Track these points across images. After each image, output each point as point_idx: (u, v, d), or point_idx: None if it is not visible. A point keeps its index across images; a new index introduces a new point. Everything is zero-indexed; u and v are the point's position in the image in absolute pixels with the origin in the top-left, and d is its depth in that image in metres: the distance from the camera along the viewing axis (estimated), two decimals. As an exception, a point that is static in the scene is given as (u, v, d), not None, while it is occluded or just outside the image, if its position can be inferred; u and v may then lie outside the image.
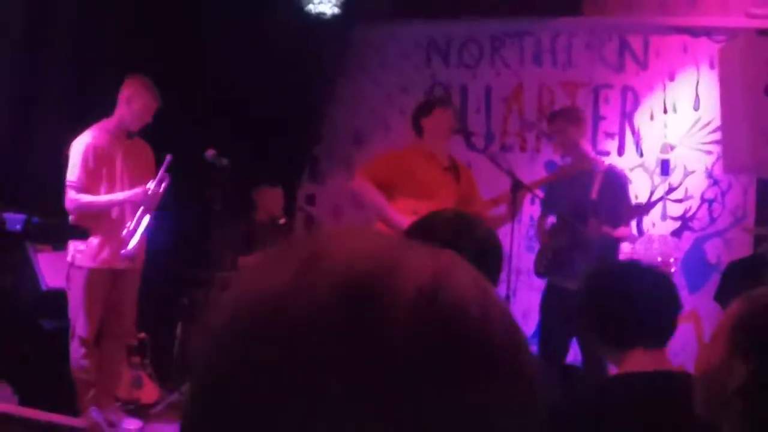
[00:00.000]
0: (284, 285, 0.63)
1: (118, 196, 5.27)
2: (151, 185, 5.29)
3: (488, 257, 2.33)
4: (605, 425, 2.25)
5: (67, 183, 5.26)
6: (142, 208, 5.30)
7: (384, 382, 0.58)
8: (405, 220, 4.96)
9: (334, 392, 0.58)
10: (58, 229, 5.40)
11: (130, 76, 5.39)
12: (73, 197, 5.23)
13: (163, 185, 5.33)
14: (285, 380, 0.59)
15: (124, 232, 5.28)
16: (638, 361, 2.37)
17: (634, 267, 2.67)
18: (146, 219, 5.32)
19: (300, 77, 6.93)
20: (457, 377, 0.60)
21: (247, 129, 6.87)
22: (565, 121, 5.60)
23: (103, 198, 5.27)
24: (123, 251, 5.26)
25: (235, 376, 0.61)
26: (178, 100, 5.56)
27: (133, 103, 5.33)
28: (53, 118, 5.89)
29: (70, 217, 5.31)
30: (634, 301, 2.43)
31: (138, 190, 5.27)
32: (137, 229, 5.29)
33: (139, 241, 5.38)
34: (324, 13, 6.55)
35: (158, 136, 5.58)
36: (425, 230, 2.32)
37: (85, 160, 5.23)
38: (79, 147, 5.26)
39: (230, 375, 0.61)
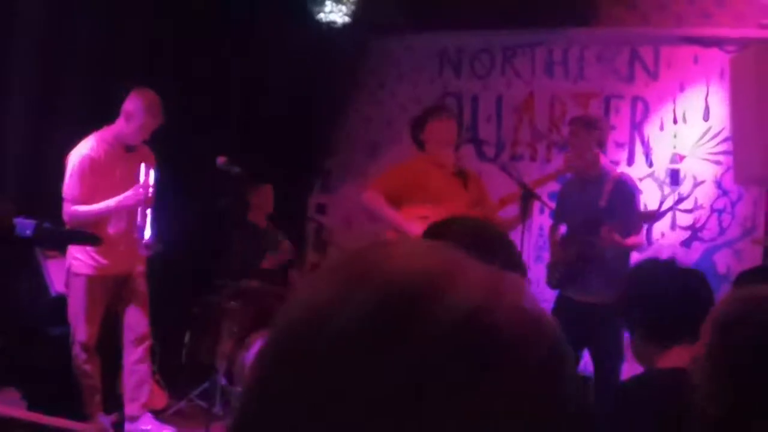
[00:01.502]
0: (332, 298, 0.64)
1: (110, 202, 5.24)
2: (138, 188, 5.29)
3: (508, 266, 2.31)
4: (647, 416, 2.29)
5: (64, 196, 5.26)
6: (140, 208, 5.31)
7: (424, 399, 0.59)
8: (415, 227, 4.98)
9: (376, 404, 0.59)
10: (69, 235, 5.42)
11: (136, 90, 5.38)
12: (70, 210, 5.24)
13: (152, 184, 5.32)
14: (330, 392, 0.60)
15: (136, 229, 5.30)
16: (680, 358, 2.40)
17: (676, 265, 2.75)
18: (148, 211, 5.33)
19: (314, 88, 6.95)
20: (499, 401, 0.60)
21: (259, 138, 6.90)
22: (579, 126, 5.62)
23: (97, 206, 5.25)
24: (143, 243, 5.27)
25: (283, 385, 0.63)
26: (192, 110, 5.58)
27: (132, 121, 5.33)
28: (67, 124, 5.92)
29: (65, 222, 5.31)
30: (679, 297, 2.54)
31: (128, 193, 5.26)
32: (145, 221, 5.30)
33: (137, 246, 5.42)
34: (335, 22, 6.58)
35: (171, 143, 5.61)
36: (441, 237, 2.30)
37: (82, 173, 5.23)
38: (76, 159, 5.25)
39: (279, 384, 0.63)
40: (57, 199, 5.37)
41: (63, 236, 5.40)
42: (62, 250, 5.59)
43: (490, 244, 2.23)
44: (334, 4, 6.63)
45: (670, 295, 2.56)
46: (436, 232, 2.35)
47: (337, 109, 7.74)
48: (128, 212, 5.36)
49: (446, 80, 7.60)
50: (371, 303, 0.62)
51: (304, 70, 6.86)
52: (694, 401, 1.65)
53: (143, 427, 5.40)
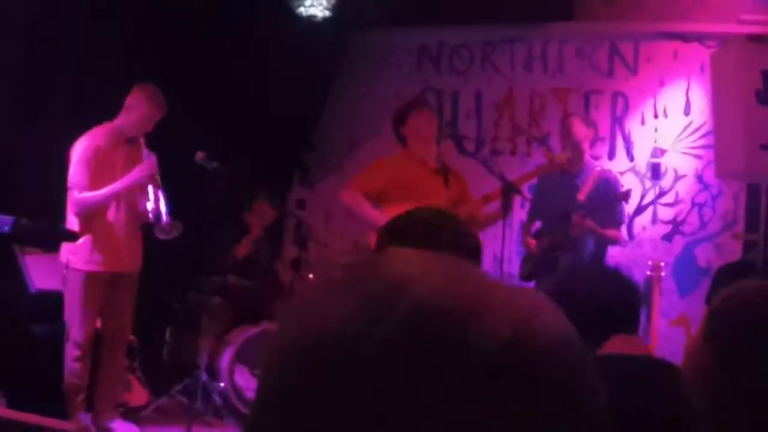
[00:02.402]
0: (357, 318, 0.60)
1: (116, 184, 5.19)
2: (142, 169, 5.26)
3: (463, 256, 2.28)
4: None
5: (70, 185, 5.21)
6: (150, 186, 5.26)
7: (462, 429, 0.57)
8: None
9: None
10: (47, 231, 5.36)
11: (137, 84, 5.37)
12: (77, 198, 5.19)
13: (153, 162, 5.28)
14: (360, 420, 0.58)
15: (149, 209, 5.24)
16: (615, 346, 2.41)
17: (587, 268, 2.76)
18: (160, 193, 5.27)
19: (292, 83, 6.91)
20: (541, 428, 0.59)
21: (238, 133, 6.86)
22: (577, 119, 5.67)
23: (104, 190, 5.19)
24: (161, 226, 5.22)
25: (298, 405, 0.60)
26: (170, 108, 5.53)
27: (133, 111, 5.31)
28: (44, 121, 5.86)
29: (73, 219, 5.25)
30: (594, 295, 2.52)
31: (133, 171, 5.21)
32: (159, 202, 5.24)
33: (137, 246, 5.37)
34: (315, 16, 6.54)
35: (150, 139, 5.56)
36: (397, 230, 2.28)
37: (87, 161, 5.18)
38: (80, 147, 5.21)
39: (293, 403, 0.60)
40: (33, 197, 5.32)
41: (40, 233, 5.34)
42: (40, 247, 5.53)
43: (442, 235, 2.22)
44: (313, 0, 6.60)
45: (580, 298, 2.53)
46: (394, 226, 2.33)
47: (316, 105, 7.71)
48: (127, 205, 5.31)
49: (426, 76, 7.59)
50: (404, 328, 0.59)
51: (283, 66, 6.82)
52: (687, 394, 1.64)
53: (110, 425, 5.35)
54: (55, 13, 5.93)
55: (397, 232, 2.26)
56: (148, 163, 5.27)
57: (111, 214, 5.31)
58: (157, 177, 5.27)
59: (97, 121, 5.39)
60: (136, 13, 6.31)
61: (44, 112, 5.94)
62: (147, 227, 5.36)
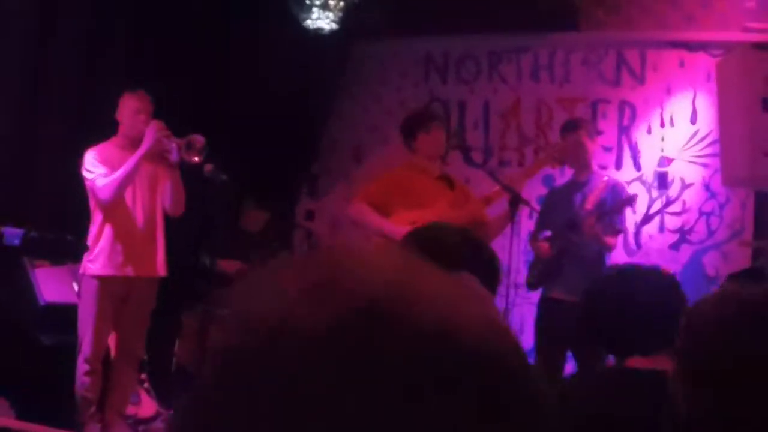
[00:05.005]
0: (292, 306, 0.61)
1: (136, 154, 5.17)
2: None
3: (489, 270, 2.29)
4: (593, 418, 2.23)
5: (93, 178, 5.18)
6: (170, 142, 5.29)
7: (390, 414, 0.57)
8: (404, 231, 4.98)
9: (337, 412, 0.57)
10: (56, 243, 5.39)
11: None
12: (104, 182, 5.16)
13: (156, 124, 5.29)
14: (285, 402, 0.58)
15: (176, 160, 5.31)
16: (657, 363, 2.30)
17: (632, 271, 2.58)
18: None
19: (298, 93, 6.94)
20: (467, 417, 0.58)
21: (244, 145, 6.88)
22: (586, 135, 5.63)
23: (123, 168, 5.17)
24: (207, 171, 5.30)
25: (234, 393, 0.60)
26: (176, 115, 5.56)
27: (122, 112, 5.36)
28: (60, 134, 5.89)
29: (99, 217, 5.25)
30: (631, 306, 2.36)
31: (145, 139, 5.21)
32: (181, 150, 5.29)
33: (155, 249, 5.39)
34: (322, 29, 6.57)
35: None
36: (428, 240, 2.27)
37: (96, 157, 5.21)
38: (89, 154, 5.23)
39: (229, 392, 0.60)
40: (42, 209, 5.34)
41: (50, 245, 5.37)
42: (49, 259, 5.55)
43: (462, 250, 2.23)
44: (320, 11, 6.62)
45: (615, 307, 2.41)
46: (422, 235, 2.34)
47: (323, 115, 7.72)
48: (143, 205, 5.34)
49: (432, 86, 7.60)
50: (336, 317, 0.60)
51: (290, 76, 6.84)
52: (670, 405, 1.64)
53: None
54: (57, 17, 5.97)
55: (417, 248, 2.25)
56: (153, 126, 5.26)
57: (127, 214, 5.32)
58: (169, 133, 5.28)
59: (109, 129, 5.42)
60: (140, 17, 6.35)
61: (55, 124, 5.97)
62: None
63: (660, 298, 2.38)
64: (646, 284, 2.45)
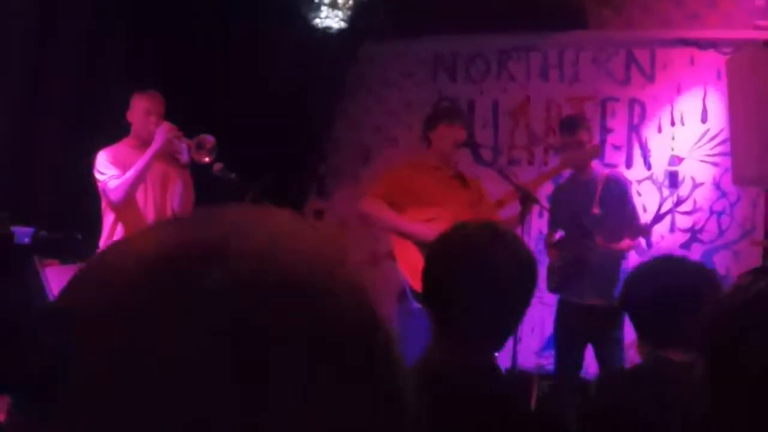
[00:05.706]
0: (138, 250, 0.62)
1: (147, 153, 5.17)
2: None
3: (525, 268, 2.27)
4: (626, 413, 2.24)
5: (105, 180, 5.17)
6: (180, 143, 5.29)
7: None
8: (422, 228, 5.00)
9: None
10: (65, 242, 5.39)
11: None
12: (116, 183, 5.16)
13: (167, 125, 5.28)
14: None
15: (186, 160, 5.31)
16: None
17: (672, 264, 2.59)
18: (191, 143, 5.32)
19: (302, 93, 6.93)
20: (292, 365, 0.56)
21: (252, 145, 6.87)
22: (587, 135, 5.61)
23: (133, 168, 5.17)
24: (216, 169, 5.28)
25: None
26: (183, 115, 5.56)
27: (132, 113, 5.36)
28: (61, 134, 5.89)
29: (110, 217, 5.25)
30: (670, 298, 2.39)
31: (156, 139, 5.20)
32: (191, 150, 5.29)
33: None
34: (330, 27, 6.56)
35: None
36: (462, 239, 2.23)
37: (107, 158, 5.20)
38: (101, 155, 5.22)
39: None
40: (51, 207, 5.33)
41: (58, 243, 5.36)
42: (58, 258, 5.55)
43: (497, 248, 2.20)
44: (329, 10, 6.61)
45: (655, 298, 2.43)
46: (444, 242, 2.29)
47: (330, 115, 7.72)
48: (155, 204, 5.34)
49: (441, 85, 7.59)
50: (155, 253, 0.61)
51: (291, 76, 6.83)
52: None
53: None
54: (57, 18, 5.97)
55: (447, 248, 2.22)
56: (164, 127, 5.25)
57: (139, 214, 5.31)
58: (180, 134, 5.28)
59: (115, 130, 5.42)
60: (140, 17, 6.34)
61: (62, 125, 5.97)
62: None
63: (698, 290, 2.38)
64: (686, 276, 2.46)
